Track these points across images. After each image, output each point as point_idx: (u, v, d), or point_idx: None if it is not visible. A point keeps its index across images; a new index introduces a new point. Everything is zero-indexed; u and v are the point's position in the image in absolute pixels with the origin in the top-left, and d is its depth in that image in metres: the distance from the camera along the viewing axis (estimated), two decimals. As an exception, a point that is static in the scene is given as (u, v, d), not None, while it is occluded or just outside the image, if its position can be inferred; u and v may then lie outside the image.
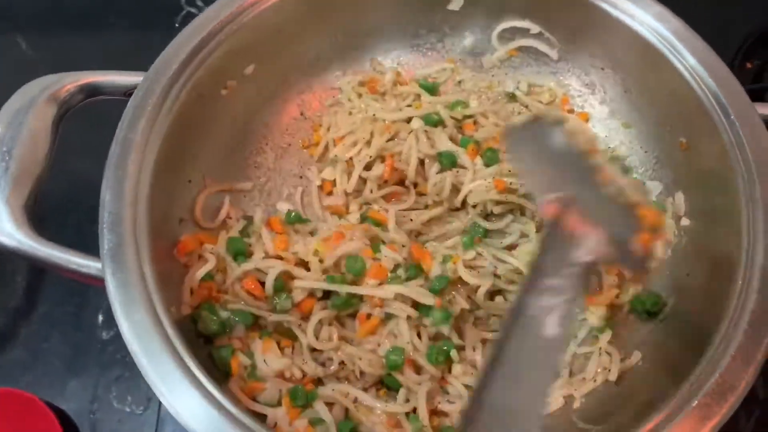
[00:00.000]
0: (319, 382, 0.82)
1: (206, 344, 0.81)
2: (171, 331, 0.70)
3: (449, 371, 0.84)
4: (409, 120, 0.95)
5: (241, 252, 0.86)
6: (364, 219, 0.91)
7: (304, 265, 0.85)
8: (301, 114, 1.02)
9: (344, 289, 0.82)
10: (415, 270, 0.85)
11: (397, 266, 0.85)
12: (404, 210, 0.94)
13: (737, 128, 0.81)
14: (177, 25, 1.22)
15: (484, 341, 0.86)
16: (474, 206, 0.91)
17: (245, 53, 0.92)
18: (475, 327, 0.86)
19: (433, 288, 0.83)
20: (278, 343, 0.82)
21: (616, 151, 0.97)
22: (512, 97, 1.01)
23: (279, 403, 0.79)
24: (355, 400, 0.80)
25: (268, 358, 0.80)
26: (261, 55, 0.94)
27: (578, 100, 1.02)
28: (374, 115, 0.95)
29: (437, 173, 0.92)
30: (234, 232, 0.89)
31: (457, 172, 0.91)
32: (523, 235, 0.91)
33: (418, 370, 0.82)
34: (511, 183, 0.89)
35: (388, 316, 0.83)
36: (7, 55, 1.20)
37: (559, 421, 0.81)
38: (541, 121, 0.75)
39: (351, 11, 0.99)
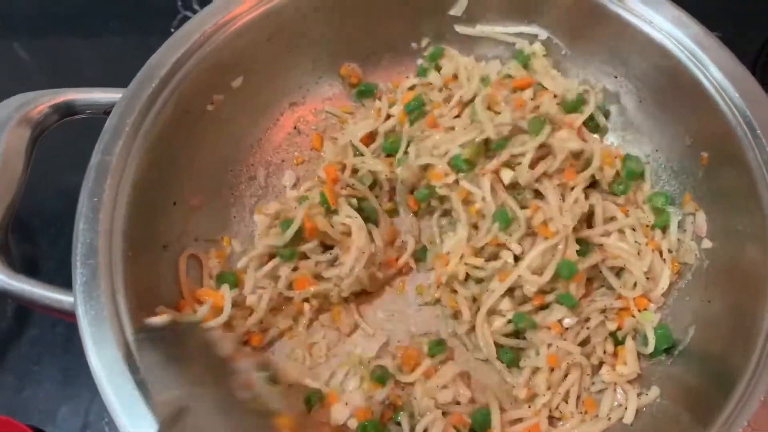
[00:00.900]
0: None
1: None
2: (146, 371, 0.66)
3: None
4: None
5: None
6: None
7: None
8: (295, 128, 0.98)
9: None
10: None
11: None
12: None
13: (764, 145, 0.75)
14: (173, 29, 1.19)
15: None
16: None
17: (233, 65, 0.88)
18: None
19: None
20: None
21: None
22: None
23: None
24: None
25: None
26: (250, 66, 0.89)
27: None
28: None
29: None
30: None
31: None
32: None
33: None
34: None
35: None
36: (3, 61, 1.18)
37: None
38: None
39: (347, 18, 0.94)
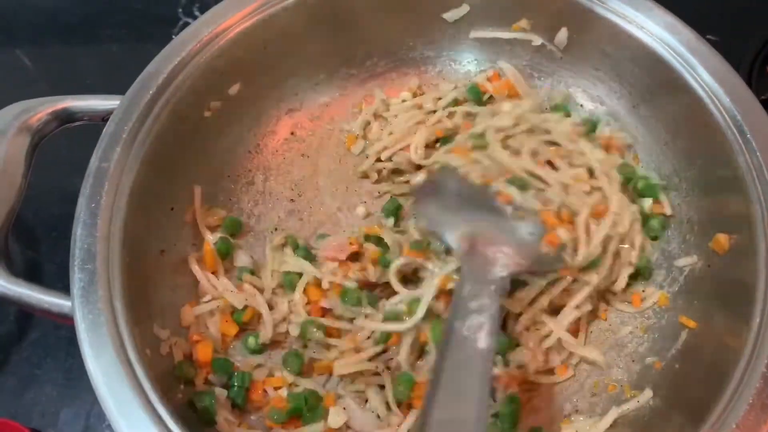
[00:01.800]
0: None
1: (186, 388, 0.78)
2: (143, 377, 0.67)
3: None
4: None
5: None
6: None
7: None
8: (292, 134, 0.98)
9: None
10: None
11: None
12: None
13: (754, 148, 0.76)
14: (174, 36, 1.18)
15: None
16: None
17: (230, 72, 0.88)
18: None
19: None
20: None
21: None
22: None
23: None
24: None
25: None
26: (247, 73, 0.90)
27: (582, 113, 0.96)
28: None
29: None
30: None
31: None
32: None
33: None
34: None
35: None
36: (7, 69, 1.19)
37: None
38: (436, 175, 0.85)
39: (343, 26, 0.95)
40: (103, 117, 0.81)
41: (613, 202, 0.82)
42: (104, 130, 0.78)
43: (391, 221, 0.90)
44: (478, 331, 0.65)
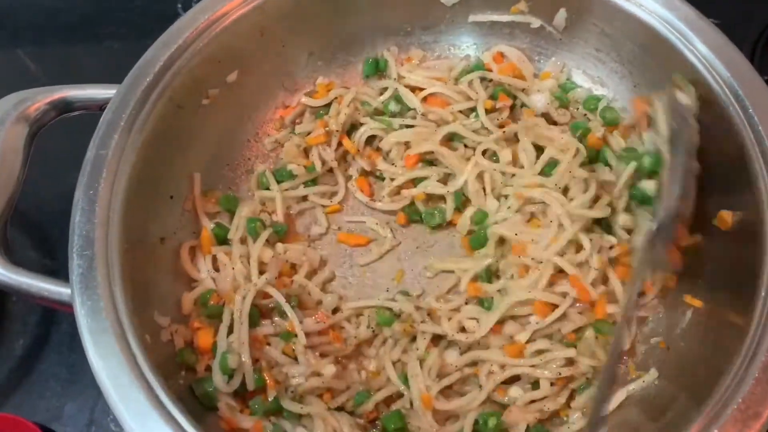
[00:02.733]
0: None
1: (187, 374, 0.77)
2: (144, 363, 0.67)
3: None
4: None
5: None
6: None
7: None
8: (292, 122, 0.97)
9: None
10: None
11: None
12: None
13: (756, 122, 0.75)
14: (174, 31, 1.19)
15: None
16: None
17: (227, 59, 0.88)
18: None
19: None
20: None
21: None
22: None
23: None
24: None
25: None
26: (244, 60, 0.90)
27: (581, 92, 0.96)
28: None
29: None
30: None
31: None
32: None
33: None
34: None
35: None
36: (7, 67, 1.19)
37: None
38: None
39: (340, 11, 0.94)
40: (101, 106, 0.81)
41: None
42: (102, 117, 0.78)
43: None
44: None
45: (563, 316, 0.79)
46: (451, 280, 0.86)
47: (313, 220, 0.93)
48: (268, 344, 0.79)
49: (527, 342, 0.79)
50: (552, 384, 0.77)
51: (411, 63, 0.99)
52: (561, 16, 0.92)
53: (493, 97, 0.94)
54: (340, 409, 0.78)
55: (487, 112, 0.92)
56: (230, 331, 0.77)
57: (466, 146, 0.92)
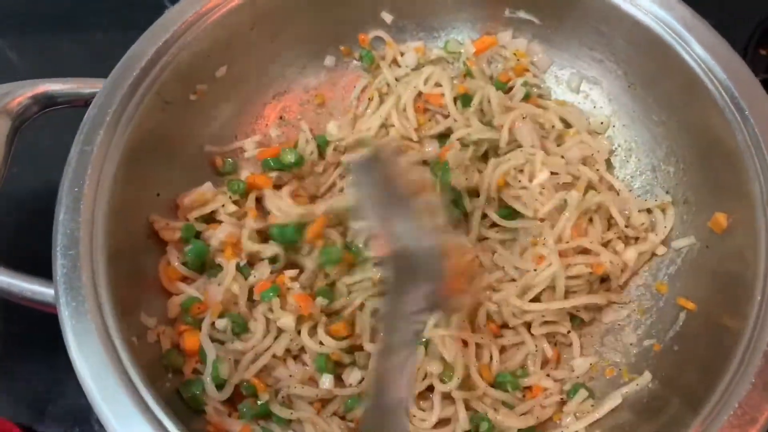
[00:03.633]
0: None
1: (174, 377, 0.76)
2: (130, 365, 0.65)
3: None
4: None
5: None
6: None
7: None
8: (281, 118, 0.96)
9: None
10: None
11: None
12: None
13: (752, 125, 0.74)
14: (159, 24, 1.17)
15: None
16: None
17: (215, 54, 0.86)
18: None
19: None
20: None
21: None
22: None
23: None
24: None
25: None
26: (233, 55, 0.88)
27: (579, 96, 0.95)
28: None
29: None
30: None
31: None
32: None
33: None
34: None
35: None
36: (-12, 59, 1.15)
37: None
38: (380, 153, 0.75)
39: (331, 4, 0.92)
40: (86, 101, 0.79)
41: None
42: (87, 113, 0.76)
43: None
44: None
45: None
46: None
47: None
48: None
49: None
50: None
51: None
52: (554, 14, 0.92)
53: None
54: (329, 412, 0.77)
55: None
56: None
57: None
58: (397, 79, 0.96)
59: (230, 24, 0.85)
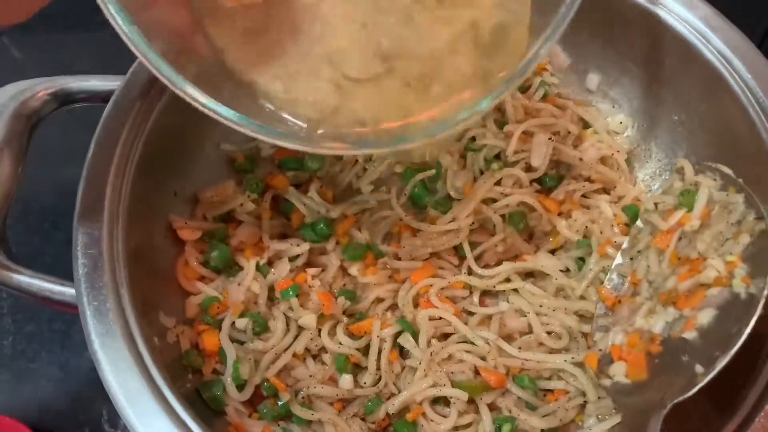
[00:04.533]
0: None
1: (194, 377, 0.76)
2: (152, 365, 0.65)
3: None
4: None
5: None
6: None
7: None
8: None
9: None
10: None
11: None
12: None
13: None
14: (167, 19, 1.17)
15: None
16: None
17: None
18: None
19: None
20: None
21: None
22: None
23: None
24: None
25: None
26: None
27: (598, 95, 0.95)
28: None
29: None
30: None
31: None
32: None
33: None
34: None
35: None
36: (-6, 57, 1.15)
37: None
38: None
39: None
40: (103, 98, 0.78)
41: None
42: (105, 111, 0.76)
43: None
44: None
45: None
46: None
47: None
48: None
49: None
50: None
51: None
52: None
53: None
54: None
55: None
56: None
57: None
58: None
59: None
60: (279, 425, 0.74)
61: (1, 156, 0.73)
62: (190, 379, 0.75)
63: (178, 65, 0.58)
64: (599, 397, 0.76)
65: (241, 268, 0.81)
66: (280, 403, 0.74)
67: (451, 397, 0.75)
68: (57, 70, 0.81)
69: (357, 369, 0.79)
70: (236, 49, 0.66)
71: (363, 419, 0.76)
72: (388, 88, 0.66)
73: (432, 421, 0.75)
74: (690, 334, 0.66)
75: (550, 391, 0.78)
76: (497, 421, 0.75)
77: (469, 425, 0.76)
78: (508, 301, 0.82)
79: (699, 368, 0.63)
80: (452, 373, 0.77)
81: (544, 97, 0.91)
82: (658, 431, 0.62)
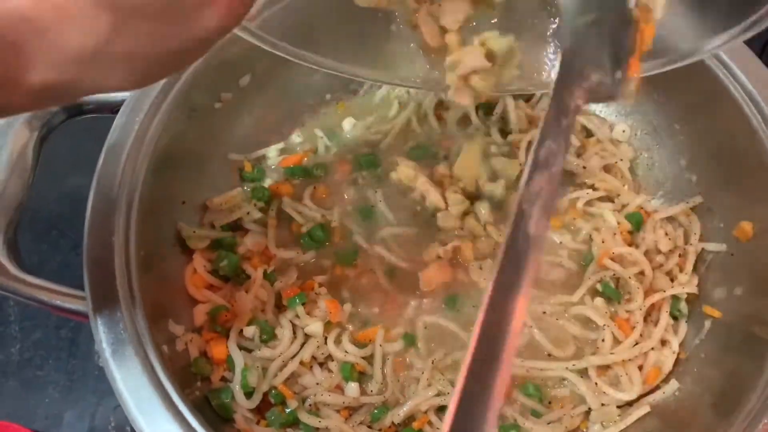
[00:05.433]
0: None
1: (203, 384, 0.76)
2: (162, 373, 0.65)
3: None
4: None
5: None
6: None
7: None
8: (303, 125, 0.96)
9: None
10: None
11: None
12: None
13: (779, 135, 0.75)
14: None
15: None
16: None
17: (239, 63, 0.86)
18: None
19: None
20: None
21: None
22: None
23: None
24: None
25: None
26: (256, 65, 0.88)
27: (601, 104, 0.95)
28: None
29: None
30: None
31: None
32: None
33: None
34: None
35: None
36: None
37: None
38: None
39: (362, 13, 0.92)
40: (113, 109, 0.79)
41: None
42: (115, 121, 0.76)
43: None
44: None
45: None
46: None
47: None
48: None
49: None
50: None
51: None
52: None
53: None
54: (356, 421, 0.78)
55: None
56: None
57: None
58: (418, 87, 0.96)
59: (255, 34, 0.85)
60: (286, 432, 0.75)
61: (12, 168, 0.74)
62: (198, 386, 0.75)
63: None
64: (602, 404, 0.76)
65: (248, 277, 0.82)
66: (287, 410, 0.75)
67: (456, 405, 0.76)
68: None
69: (363, 377, 0.79)
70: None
71: (369, 427, 0.77)
72: None
73: (438, 429, 0.76)
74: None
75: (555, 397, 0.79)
76: (502, 428, 0.75)
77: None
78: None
79: None
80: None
81: (547, 105, 0.92)
82: None
